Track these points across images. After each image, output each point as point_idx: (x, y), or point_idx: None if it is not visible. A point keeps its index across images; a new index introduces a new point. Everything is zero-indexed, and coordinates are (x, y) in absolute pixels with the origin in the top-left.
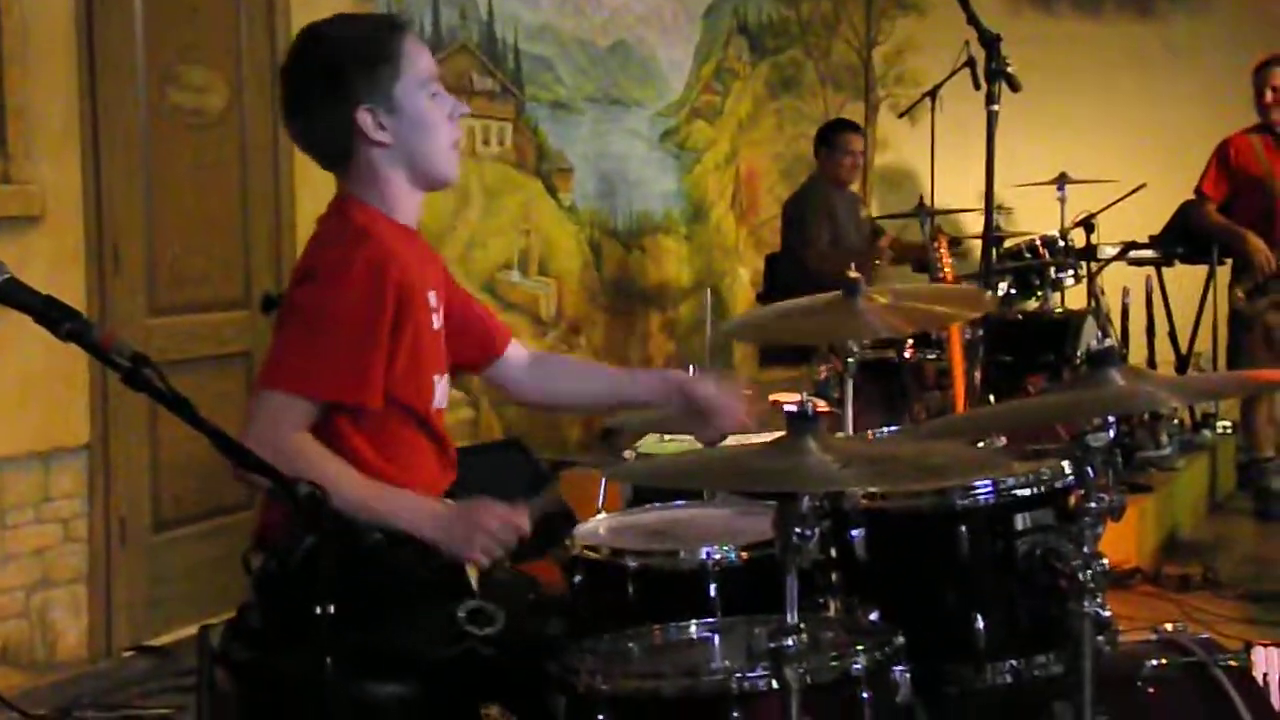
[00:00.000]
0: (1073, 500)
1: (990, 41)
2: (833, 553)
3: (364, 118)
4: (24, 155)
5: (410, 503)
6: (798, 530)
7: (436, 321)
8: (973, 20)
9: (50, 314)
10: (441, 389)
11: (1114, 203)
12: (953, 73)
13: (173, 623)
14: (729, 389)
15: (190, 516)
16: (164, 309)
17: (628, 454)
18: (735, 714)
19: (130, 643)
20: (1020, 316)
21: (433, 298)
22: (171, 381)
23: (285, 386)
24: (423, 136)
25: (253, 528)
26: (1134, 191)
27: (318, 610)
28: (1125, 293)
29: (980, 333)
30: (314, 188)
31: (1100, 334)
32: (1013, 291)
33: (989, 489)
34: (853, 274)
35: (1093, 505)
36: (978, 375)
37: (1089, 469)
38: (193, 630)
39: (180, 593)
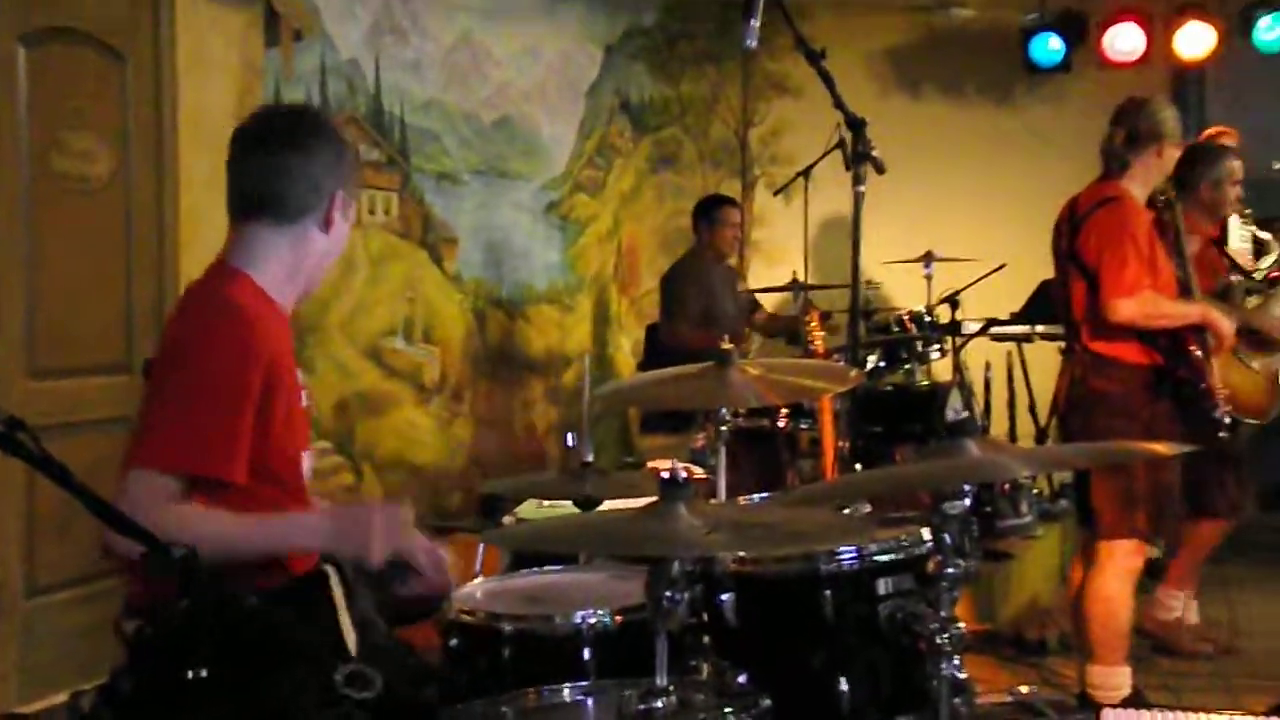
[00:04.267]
0: (931, 565)
1: (856, 125)
2: (704, 616)
3: (338, 200)
4: None
5: (300, 523)
6: (668, 594)
7: (305, 399)
8: (839, 105)
9: None
10: (308, 463)
11: (977, 280)
12: (824, 154)
13: (45, 690)
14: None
15: (65, 582)
16: (44, 373)
17: (507, 519)
18: None
19: (1, 710)
20: (889, 388)
21: (300, 375)
22: (51, 446)
23: (155, 464)
24: (335, 246)
25: (126, 593)
26: (995, 270)
27: (189, 675)
28: (987, 367)
29: (850, 404)
30: (198, 254)
31: (962, 406)
32: (882, 364)
33: (853, 554)
34: (726, 345)
35: (950, 570)
36: (847, 445)
37: (946, 535)
38: (64, 697)
39: (53, 659)
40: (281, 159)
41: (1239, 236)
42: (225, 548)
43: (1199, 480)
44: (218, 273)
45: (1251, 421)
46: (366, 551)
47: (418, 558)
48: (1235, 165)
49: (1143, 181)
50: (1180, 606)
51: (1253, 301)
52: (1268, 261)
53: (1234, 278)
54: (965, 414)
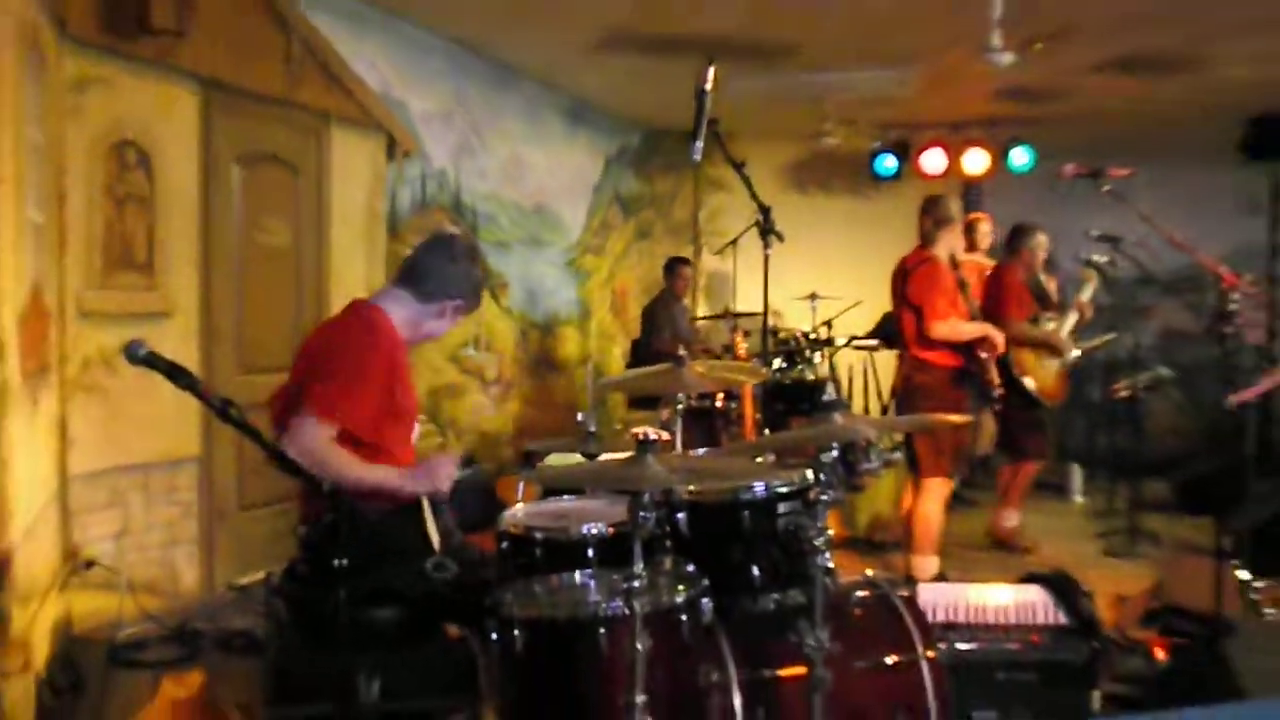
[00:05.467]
0: (812, 495)
1: (765, 211)
2: (666, 528)
3: (450, 309)
4: (163, 273)
5: (394, 470)
6: (642, 514)
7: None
8: (754, 197)
9: (174, 374)
10: (416, 430)
11: (843, 312)
12: (746, 229)
13: (250, 569)
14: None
15: (262, 502)
16: (247, 369)
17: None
18: (601, 630)
19: (225, 583)
20: (787, 381)
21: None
22: (251, 417)
23: (323, 416)
24: (436, 332)
25: (298, 510)
26: (854, 305)
27: (335, 563)
28: (850, 368)
29: (762, 391)
30: (339, 293)
31: (833, 392)
32: (784, 365)
33: (762, 488)
34: (681, 353)
35: (824, 498)
36: (760, 417)
37: (822, 475)
38: (261, 575)
39: (256, 550)
40: (441, 262)
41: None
42: (352, 480)
43: (1022, 438)
44: (365, 304)
45: (1050, 403)
46: (436, 487)
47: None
48: (1044, 238)
49: (944, 248)
50: (1016, 519)
51: (1049, 324)
52: (1086, 294)
53: (1047, 312)
54: (835, 397)
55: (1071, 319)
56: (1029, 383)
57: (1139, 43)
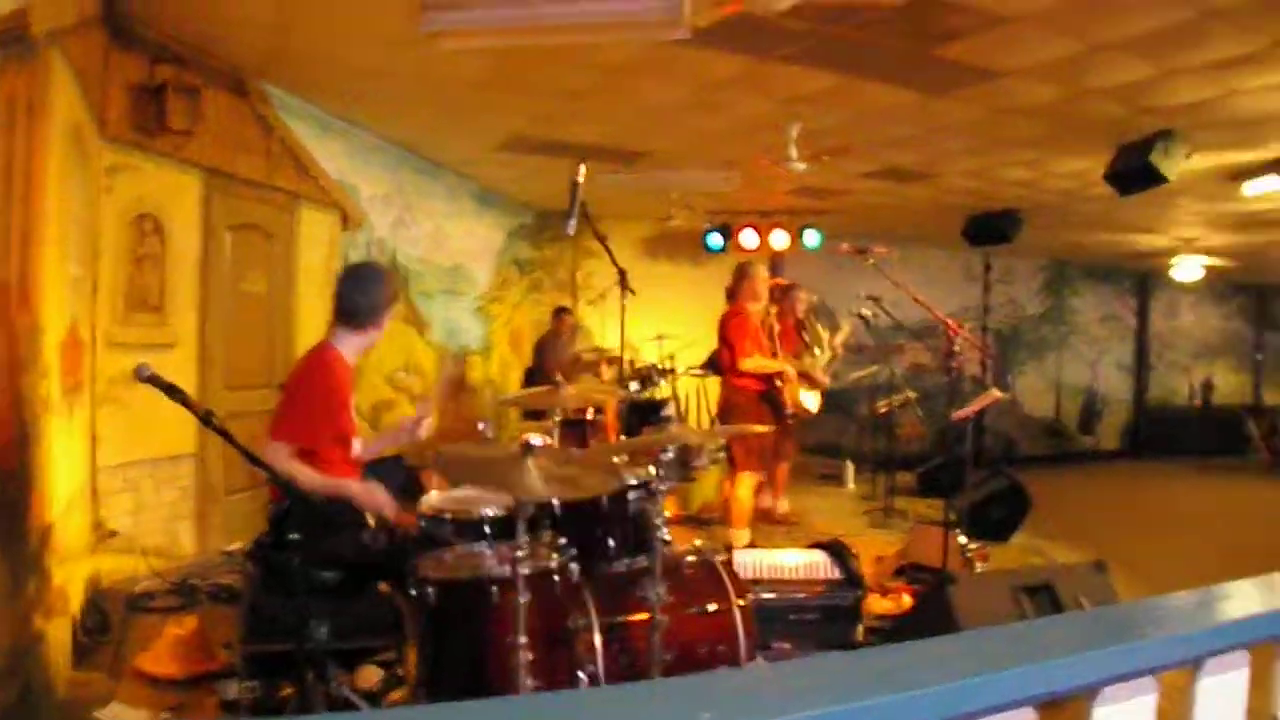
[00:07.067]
0: (653, 485)
1: (623, 273)
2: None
3: (384, 319)
4: (171, 314)
5: (346, 485)
6: (525, 499)
7: (354, 413)
8: (614, 262)
9: (169, 390)
10: (358, 443)
11: (680, 348)
12: (610, 286)
13: (234, 539)
14: (420, 413)
15: (243, 487)
16: (233, 386)
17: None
18: (494, 588)
19: (216, 549)
20: (641, 399)
21: (352, 400)
22: (233, 424)
23: (281, 438)
24: (378, 339)
25: (267, 496)
26: (687, 345)
27: (290, 536)
28: (688, 392)
29: (622, 407)
30: (306, 334)
31: (673, 409)
32: (639, 387)
33: (620, 480)
34: (558, 378)
35: (662, 487)
36: (620, 427)
37: (661, 471)
38: (241, 544)
39: (239, 523)
40: (362, 295)
41: (806, 326)
42: (308, 486)
43: (781, 445)
44: (323, 345)
45: (805, 418)
46: (380, 507)
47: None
48: (804, 294)
49: (745, 299)
50: (785, 504)
51: (808, 361)
52: (839, 338)
53: (816, 349)
54: (670, 413)
55: (826, 357)
56: (788, 403)
57: (893, 160)
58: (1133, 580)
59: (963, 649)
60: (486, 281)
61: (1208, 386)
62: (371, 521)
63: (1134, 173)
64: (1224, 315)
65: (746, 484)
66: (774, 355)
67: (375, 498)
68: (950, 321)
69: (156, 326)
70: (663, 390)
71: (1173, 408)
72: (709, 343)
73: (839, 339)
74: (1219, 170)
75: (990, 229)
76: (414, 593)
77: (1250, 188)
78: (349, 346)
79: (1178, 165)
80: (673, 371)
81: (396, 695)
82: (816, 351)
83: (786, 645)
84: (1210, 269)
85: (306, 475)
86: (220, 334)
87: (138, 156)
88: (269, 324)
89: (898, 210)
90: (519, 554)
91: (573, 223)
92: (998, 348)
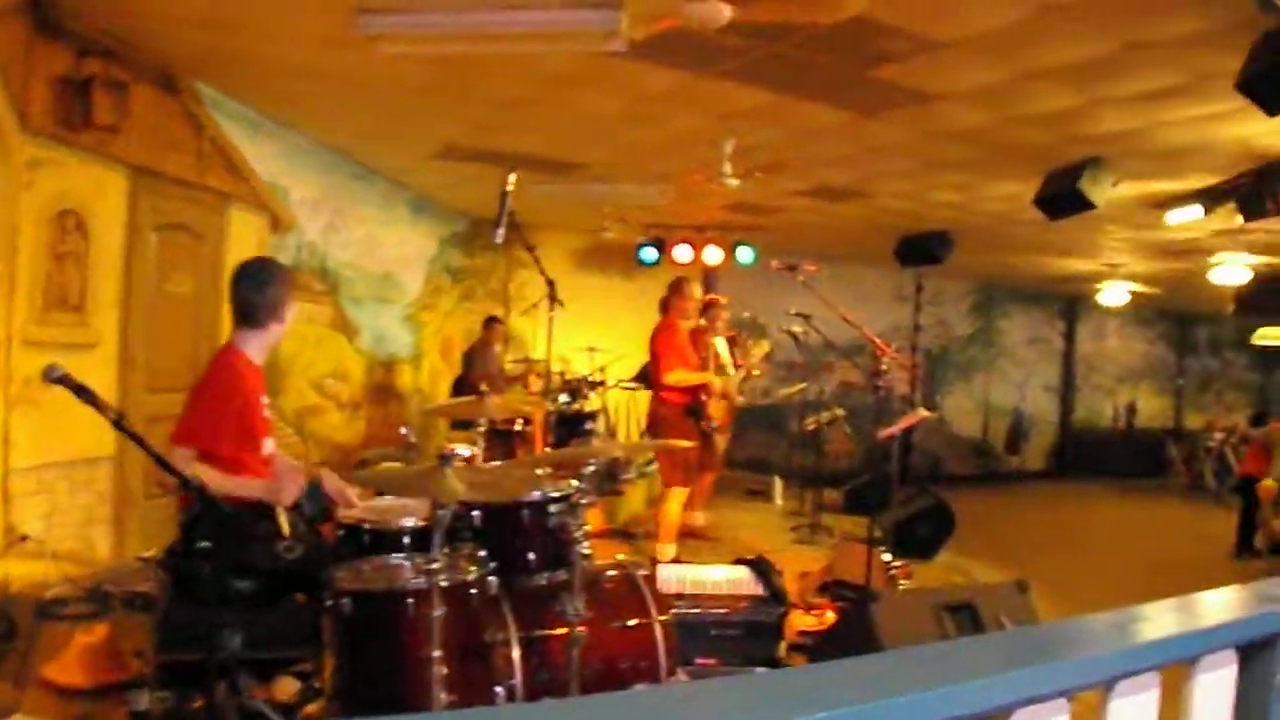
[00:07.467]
0: (574, 497)
1: (551, 283)
2: (464, 522)
3: (287, 311)
4: (91, 312)
5: (251, 483)
6: (441, 510)
7: (267, 411)
8: (543, 273)
9: (80, 392)
10: (269, 444)
11: (612, 361)
12: (541, 298)
13: (153, 545)
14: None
15: (162, 492)
16: (154, 389)
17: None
18: (409, 601)
19: (133, 554)
20: (570, 410)
21: (264, 399)
22: (153, 428)
23: (182, 443)
24: (285, 331)
25: (179, 502)
26: (619, 358)
27: (200, 544)
28: (619, 404)
29: (550, 418)
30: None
31: (605, 422)
32: (568, 398)
33: (540, 493)
34: (484, 388)
35: (584, 501)
36: (548, 439)
37: (584, 484)
38: (155, 551)
39: (157, 529)
40: (259, 294)
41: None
42: (216, 489)
43: (705, 458)
44: (227, 348)
45: (723, 432)
46: (283, 499)
47: (336, 494)
48: (723, 310)
49: (676, 314)
50: (702, 518)
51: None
52: (757, 355)
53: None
54: (601, 426)
55: (740, 374)
56: (711, 417)
57: (827, 178)
58: (1055, 599)
59: (882, 669)
60: (418, 289)
61: (1131, 410)
62: (287, 530)
63: (1063, 198)
64: (1148, 340)
65: (676, 499)
66: (703, 368)
67: (281, 492)
68: (878, 340)
69: (76, 326)
70: (592, 403)
71: (1097, 430)
72: (641, 356)
73: (754, 358)
74: (1144, 198)
75: (921, 250)
76: (329, 603)
77: (1173, 217)
78: (252, 345)
79: (1105, 192)
80: (603, 384)
81: (313, 708)
82: (730, 371)
83: (709, 661)
84: (1136, 295)
85: (212, 477)
86: (143, 335)
87: (61, 151)
88: (195, 326)
89: (831, 229)
90: (434, 565)
91: (501, 231)
92: (927, 368)
